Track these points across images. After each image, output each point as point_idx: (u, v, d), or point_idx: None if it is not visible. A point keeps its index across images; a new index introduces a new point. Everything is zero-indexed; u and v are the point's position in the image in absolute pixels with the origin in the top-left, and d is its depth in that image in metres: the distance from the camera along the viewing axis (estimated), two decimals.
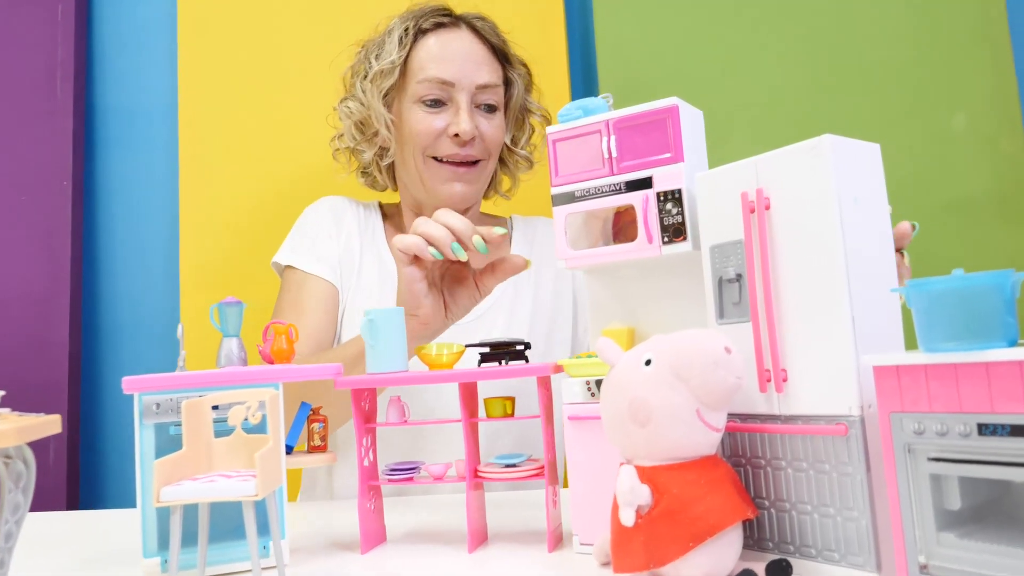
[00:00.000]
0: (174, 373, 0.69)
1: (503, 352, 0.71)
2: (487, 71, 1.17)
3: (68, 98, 1.62)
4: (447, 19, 1.20)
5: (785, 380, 0.56)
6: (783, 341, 0.56)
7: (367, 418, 0.73)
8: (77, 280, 1.59)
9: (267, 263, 1.54)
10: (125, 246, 1.63)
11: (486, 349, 0.72)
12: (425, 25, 1.18)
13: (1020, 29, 1.48)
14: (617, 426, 0.56)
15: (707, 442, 0.54)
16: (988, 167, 1.43)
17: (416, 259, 0.85)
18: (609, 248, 0.67)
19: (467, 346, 0.73)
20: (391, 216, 1.31)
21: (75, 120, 1.62)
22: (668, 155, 0.64)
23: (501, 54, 1.22)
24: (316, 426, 0.73)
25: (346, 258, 1.21)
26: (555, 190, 0.69)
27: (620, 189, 0.66)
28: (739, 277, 0.59)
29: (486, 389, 0.77)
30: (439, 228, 0.82)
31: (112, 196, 1.64)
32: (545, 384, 0.69)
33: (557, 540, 0.68)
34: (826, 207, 0.54)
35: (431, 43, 1.17)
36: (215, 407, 0.66)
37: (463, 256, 0.82)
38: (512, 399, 0.71)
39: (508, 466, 0.69)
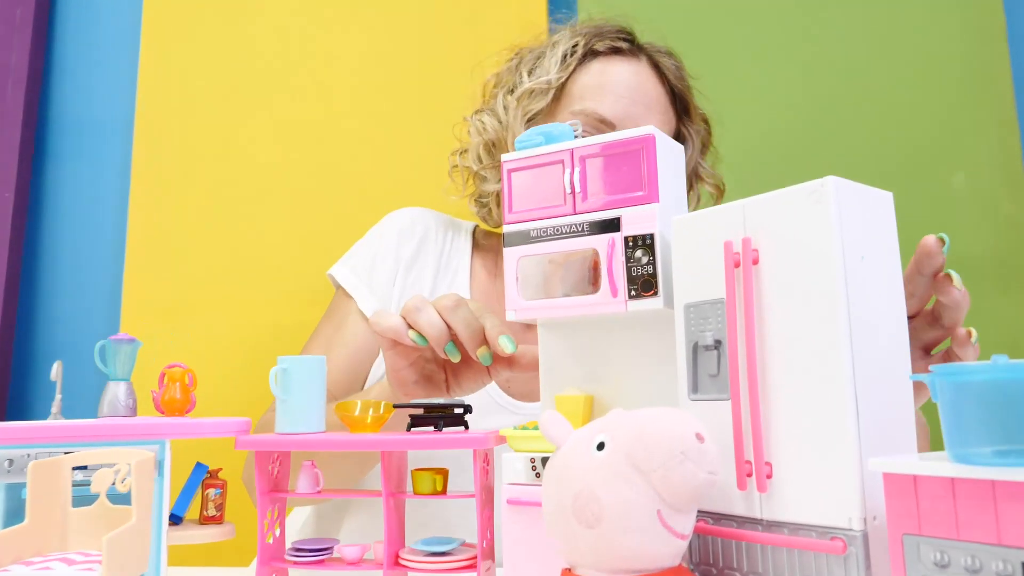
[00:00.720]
0: (44, 422, 0.58)
1: (437, 416, 0.60)
2: (657, 119, 0.97)
3: (18, 106, 1.52)
4: (626, 45, 0.99)
5: (770, 477, 0.45)
6: (770, 427, 0.45)
7: (274, 486, 0.62)
8: (12, 300, 1.47)
9: (215, 292, 1.43)
10: (67, 266, 1.51)
11: (418, 411, 0.61)
12: (598, 46, 0.98)
13: None
14: (559, 524, 0.44)
15: (669, 551, 0.43)
16: (989, 229, 1.35)
17: (398, 342, 0.70)
18: (566, 300, 0.56)
19: (395, 406, 0.62)
20: (486, 248, 1.07)
21: (24, 129, 1.52)
22: (640, 193, 0.54)
23: (681, 102, 1.02)
24: (212, 492, 0.62)
25: (410, 292, 1.01)
26: (508, 228, 0.59)
27: (582, 230, 0.56)
28: (718, 344, 0.48)
29: (418, 457, 0.66)
30: (434, 324, 0.66)
31: (57, 212, 1.53)
32: (485, 457, 0.58)
33: None
34: (827, 265, 0.43)
35: (598, 69, 0.97)
36: (81, 468, 0.54)
37: (456, 358, 0.68)
38: (444, 472, 0.60)
39: (435, 554, 0.58)
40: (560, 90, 0.96)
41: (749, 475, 0.46)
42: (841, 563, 0.41)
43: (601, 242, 0.55)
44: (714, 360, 0.49)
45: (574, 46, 0.97)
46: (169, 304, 1.42)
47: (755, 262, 0.46)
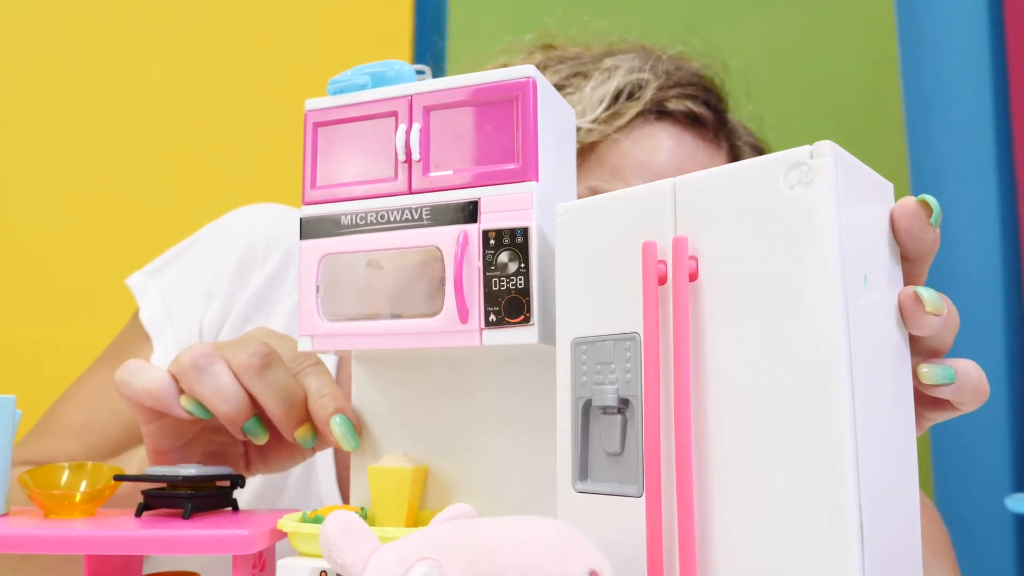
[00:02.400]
0: None
1: (184, 495, 0.39)
2: None
3: None
4: (711, 117, 0.68)
5: None
6: (708, 547, 0.28)
7: None
8: None
9: None
10: None
11: (160, 486, 0.40)
12: (672, 105, 0.67)
13: (918, 150, 1.36)
14: None
15: None
16: None
17: (159, 413, 0.43)
18: (390, 325, 0.37)
19: (117, 478, 0.40)
20: None
21: None
22: (511, 167, 0.36)
23: None
24: None
25: (233, 331, 0.69)
26: (307, 211, 0.39)
27: (420, 219, 0.36)
28: (625, 406, 0.31)
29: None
30: (228, 395, 0.41)
31: None
32: (258, 562, 0.38)
33: None
34: (816, 289, 0.26)
35: (656, 141, 0.66)
36: None
37: (262, 440, 0.43)
38: None
39: None
40: (592, 142, 0.65)
41: None
42: None
43: (447, 237, 0.35)
44: (617, 430, 0.31)
45: (638, 86, 0.66)
46: None
47: (693, 277, 0.29)
